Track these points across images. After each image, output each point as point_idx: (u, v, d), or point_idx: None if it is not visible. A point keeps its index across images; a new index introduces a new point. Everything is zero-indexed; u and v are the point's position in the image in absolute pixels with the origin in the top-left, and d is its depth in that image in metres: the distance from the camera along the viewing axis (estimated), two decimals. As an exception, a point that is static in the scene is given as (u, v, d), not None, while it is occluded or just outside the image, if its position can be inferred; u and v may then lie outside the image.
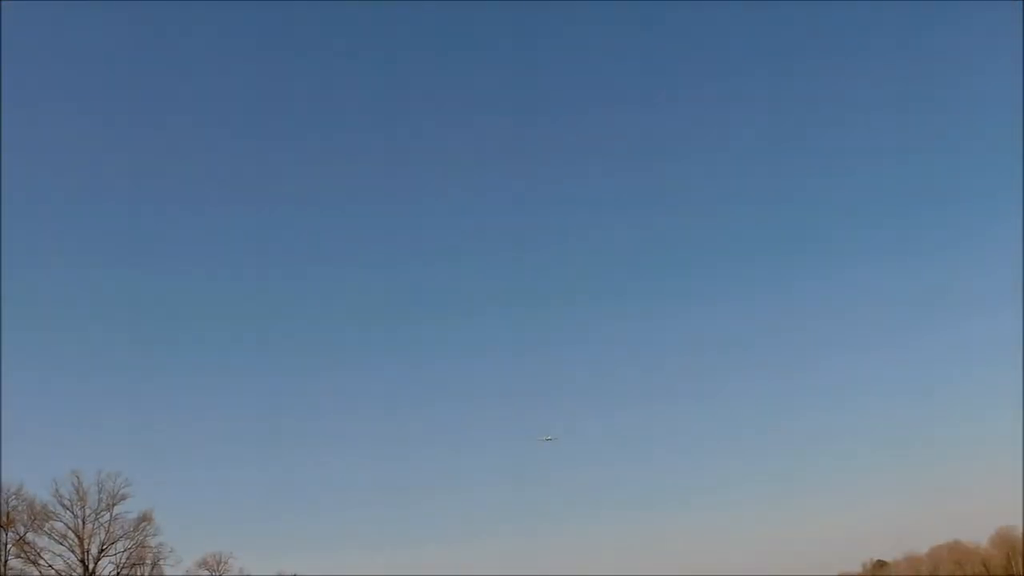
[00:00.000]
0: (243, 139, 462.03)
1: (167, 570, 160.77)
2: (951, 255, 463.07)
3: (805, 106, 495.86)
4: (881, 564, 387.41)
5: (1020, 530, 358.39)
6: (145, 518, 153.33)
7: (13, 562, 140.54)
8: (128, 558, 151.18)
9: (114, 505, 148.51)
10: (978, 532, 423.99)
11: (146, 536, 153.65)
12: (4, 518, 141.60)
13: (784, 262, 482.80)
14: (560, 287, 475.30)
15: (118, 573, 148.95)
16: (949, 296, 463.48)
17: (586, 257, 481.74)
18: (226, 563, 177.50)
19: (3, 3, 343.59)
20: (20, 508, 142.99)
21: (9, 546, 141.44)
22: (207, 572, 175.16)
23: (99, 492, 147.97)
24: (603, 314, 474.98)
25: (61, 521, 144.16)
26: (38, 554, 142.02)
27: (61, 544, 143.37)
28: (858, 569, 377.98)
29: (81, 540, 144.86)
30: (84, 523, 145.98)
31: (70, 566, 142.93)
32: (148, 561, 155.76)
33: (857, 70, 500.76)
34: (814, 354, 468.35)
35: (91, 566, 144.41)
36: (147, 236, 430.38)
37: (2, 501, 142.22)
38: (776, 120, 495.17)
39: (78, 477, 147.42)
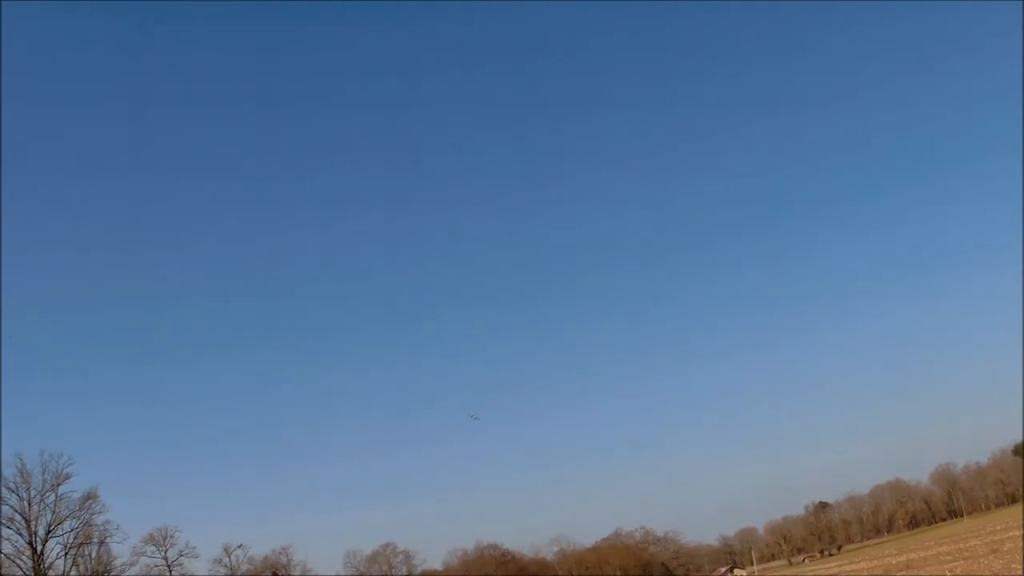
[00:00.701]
0: (243, 141, 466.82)
1: (115, 547, 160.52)
2: (951, 255, 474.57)
3: (805, 106, 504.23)
4: (823, 505, 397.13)
5: (959, 467, 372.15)
6: (90, 496, 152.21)
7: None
8: (75, 537, 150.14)
9: (58, 485, 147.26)
10: (918, 470, 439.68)
11: (92, 515, 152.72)
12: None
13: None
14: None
15: (66, 552, 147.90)
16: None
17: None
18: (172, 537, 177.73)
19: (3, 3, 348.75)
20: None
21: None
22: (154, 547, 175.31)
23: (43, 473, 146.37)
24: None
25: (7, 504, 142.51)
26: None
27: (9, 528, 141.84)
28: (801, 512, 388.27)
29: (28, 522, 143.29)
30: (30, 505, 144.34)
31: (18, 549, 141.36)
32: (95, 539, 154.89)
33: (857, 70, 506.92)
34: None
35: (39, 547, 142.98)
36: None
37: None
38: (776, 120, 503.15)
39: (21, 459, 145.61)
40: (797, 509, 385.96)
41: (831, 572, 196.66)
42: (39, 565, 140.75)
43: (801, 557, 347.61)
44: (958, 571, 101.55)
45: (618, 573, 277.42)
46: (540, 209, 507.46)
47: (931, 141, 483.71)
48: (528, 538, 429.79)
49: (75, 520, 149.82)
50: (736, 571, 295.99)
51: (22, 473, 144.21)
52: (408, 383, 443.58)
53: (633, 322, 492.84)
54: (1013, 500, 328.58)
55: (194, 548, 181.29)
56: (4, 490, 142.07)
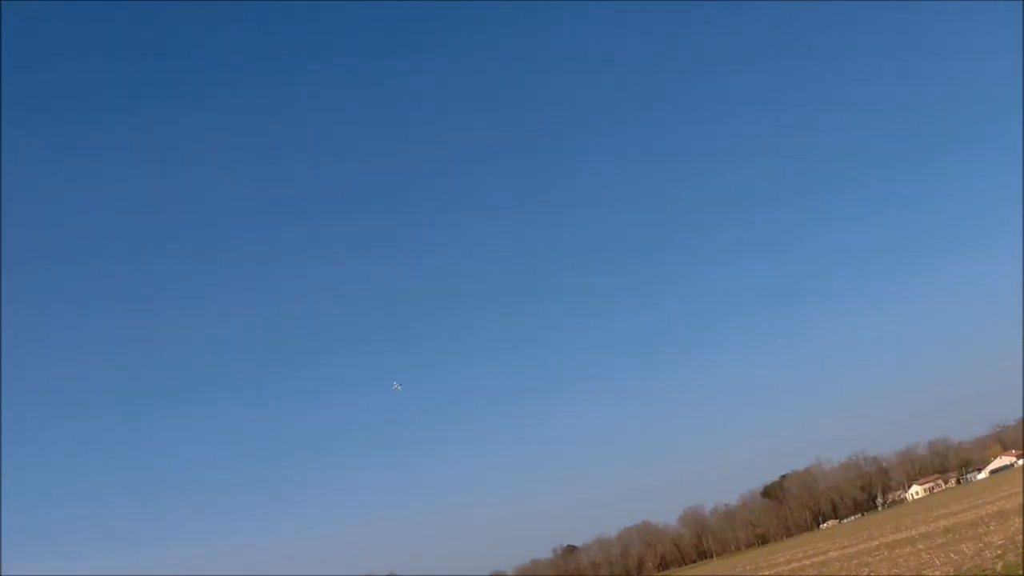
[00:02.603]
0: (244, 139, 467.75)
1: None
2: (950, 256, 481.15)
3: (805, 106, 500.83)
4: (571, 549, 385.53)
5: (707, 509, 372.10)
6: None
7: None
8: None
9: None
10: (666, 513, 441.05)
11: None
12: None
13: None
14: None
15: None
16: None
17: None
18: None
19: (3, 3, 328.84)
20: None
21: None
22: None
23: None
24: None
25: None
26: None
27: None
28: (548, 555, 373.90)
29: None
30: None
31: None
32: None
33: (857, 70, 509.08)
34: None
35: None
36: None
37: None
38: (776, 120, 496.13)
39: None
40: (543, 552, 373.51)
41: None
42: None
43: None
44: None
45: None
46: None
47: (931, 141, 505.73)
48: None
49: None
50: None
51: None
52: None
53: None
54: (764, 541, 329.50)
55: None
56: None
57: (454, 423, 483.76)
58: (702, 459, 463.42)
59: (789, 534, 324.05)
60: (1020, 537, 51.25)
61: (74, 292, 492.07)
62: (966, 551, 54.00)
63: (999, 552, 47.76)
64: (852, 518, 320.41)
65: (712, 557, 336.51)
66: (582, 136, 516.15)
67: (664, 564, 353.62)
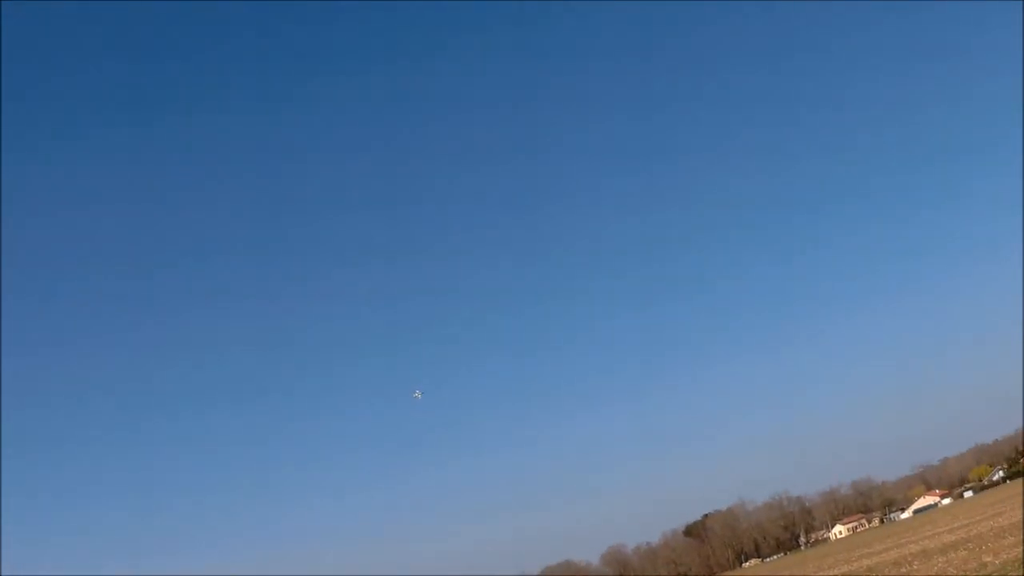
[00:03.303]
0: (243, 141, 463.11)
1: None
2: (949, 257, 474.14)
3: (805, 106, 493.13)
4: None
5: (629, 548, 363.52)
6: None
7: None
8: None
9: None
10: (589, 551, 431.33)
11: None
12: None
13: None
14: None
15: None
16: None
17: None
18: None
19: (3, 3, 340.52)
20: None
21: None
22: None
23: None
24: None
25: None
26: None
27: None
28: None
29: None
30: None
31: None
32: None
33: (858, 70, 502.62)
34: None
35: None
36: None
37: None
38: (775, 120, 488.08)
39: None
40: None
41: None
42: None
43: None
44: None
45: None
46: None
47: (932, 142, 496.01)
48: None
49: None
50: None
51: None
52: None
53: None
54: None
55: None
56: None
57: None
58: (624, 497, 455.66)
59: (711, 573, 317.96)
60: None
61: (75, 292, 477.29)
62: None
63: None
64: (775, 557, 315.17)
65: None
66: (595, 138, 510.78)
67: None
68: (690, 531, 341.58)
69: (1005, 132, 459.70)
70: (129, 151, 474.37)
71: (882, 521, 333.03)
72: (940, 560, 61.63)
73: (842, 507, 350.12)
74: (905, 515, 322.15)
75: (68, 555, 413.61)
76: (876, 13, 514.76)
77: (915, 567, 62.06)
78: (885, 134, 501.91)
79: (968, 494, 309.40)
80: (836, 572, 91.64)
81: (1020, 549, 52.20)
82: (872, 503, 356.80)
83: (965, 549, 64.97)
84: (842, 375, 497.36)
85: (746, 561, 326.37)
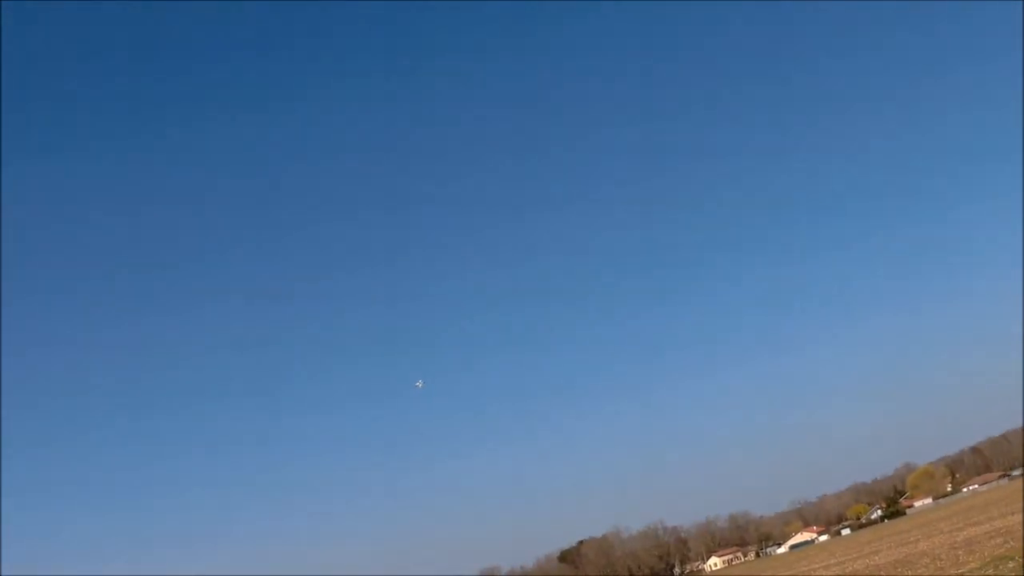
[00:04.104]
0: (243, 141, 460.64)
1: None
2: (948, 257, 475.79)
3: (806, 105, 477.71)
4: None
5: (503, 571, 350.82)
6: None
7: None
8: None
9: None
10: (462, 572, 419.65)
11: None
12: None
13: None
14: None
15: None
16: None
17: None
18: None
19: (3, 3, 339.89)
20: None
21: None
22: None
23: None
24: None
25: None
26: None
27: None
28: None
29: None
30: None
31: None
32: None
33: (857, 70, 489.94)
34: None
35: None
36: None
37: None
38: (776, 120, 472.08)
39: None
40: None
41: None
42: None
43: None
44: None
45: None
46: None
47: (931, 143, 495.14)
48: None
49: None
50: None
51: None
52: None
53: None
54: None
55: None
56: None
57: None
58: (500, 519, 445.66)
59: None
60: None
61: (74, 292, 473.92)
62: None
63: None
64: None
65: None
66: (595, 139, 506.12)
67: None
68: (564, 557, 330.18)
69: (1005, 132, 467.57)
70: (129, 151, 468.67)
71: (758, 555, 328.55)
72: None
73: (718, 539, 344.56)
74: (781, 550, 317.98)
75: (68, 555, 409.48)
76: (876, 13, 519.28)
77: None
78: (884, 137, 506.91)
79: (846, 531, 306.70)
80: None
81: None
82: (749, 536, 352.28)
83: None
84: (722, 410, 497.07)
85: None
